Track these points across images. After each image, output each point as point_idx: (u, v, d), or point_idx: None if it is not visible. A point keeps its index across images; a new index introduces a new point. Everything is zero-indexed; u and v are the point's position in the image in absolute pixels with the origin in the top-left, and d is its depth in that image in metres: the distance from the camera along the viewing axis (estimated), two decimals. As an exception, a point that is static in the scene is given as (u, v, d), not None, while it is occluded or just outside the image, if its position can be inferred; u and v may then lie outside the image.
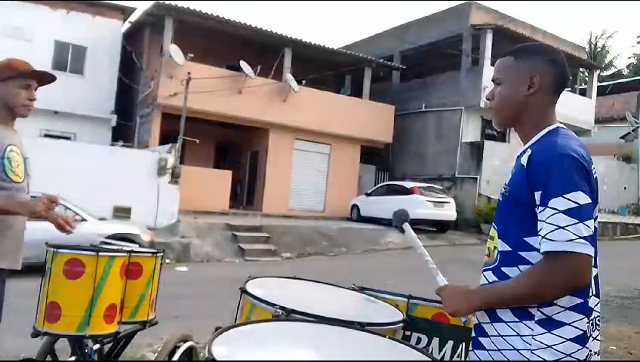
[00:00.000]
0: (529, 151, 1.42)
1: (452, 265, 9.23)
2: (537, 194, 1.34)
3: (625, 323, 6.69)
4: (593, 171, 1.40)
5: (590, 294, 1.39)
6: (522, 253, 1.40)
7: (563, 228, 1.28)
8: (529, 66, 1.50)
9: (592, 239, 1.30)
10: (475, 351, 1.50)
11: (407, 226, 1.78)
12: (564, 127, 1.50)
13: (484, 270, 1.54)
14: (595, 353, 1.40)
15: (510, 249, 1.44)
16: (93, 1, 17.50)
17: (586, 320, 1.36)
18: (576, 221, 1.28)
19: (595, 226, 1.37)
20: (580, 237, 1.27)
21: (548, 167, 1.34)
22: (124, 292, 2.54)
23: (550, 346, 1.33)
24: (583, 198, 1.30)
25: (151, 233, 10.30)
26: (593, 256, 1.31)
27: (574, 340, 1.34)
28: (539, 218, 1.33)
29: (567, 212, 1.28)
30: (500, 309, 1.43)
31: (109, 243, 4.25)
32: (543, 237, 1.31)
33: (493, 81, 1.59)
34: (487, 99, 1.60)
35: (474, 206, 17.14)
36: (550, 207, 1.30)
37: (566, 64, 1.54)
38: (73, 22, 17.15)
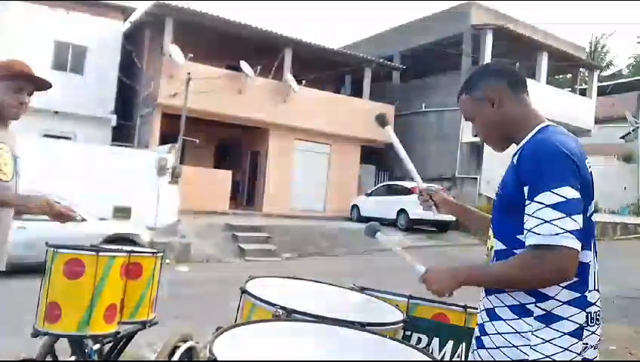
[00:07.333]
0: (520, 151, 1.46)
1: (452, 265, 9.21)
2: (525, 189, 1.36)
3: (625, 323, 6.69)
4: (587, 166, 1.42)
5: (590, 288, 1.40)
6: (516, 251, 1.42)
7: (549, 221, 1.29)
8: (481, 91, 1.57)
9: (579, 233, 1.30)
10: (478, 350, 1.51)
11: (380, 235, 1.78)
12: (555, 124, 1.51)
13: None
14: (593, 347, 1.41)
15: (505, 247, 1.47)
16: (93, 1, 17.49)
17: (583, 314, 1.38)
18: (563, 215, 1.29)
19: (591, 221, 1.39)
20: (566, 231, 1.28)
21: (535, 162, 1.36)
22: (124, 292, 2.54)
23: (549, 341, 1.35)
24: (570, 193, 1.31)
25: (151, 233, 10.30)
26: (580, 250, 1.31)
27: (572, 334, 1.36)
28: (525, 211, 1.35)
29: (554, 206, 1.29)
30: (498, 307, 1.45)
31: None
32: (528, 230, 1.32)
33: (466, 120, 1.66)
34: (475, 135, 1.66)
35: (474, 206, 17.12)
36: (537, 201, 1.32)
37: (510, 65, 1.62)
38: (73, 22, 17.14)
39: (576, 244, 1.29)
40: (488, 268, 1.46)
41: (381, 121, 1.98)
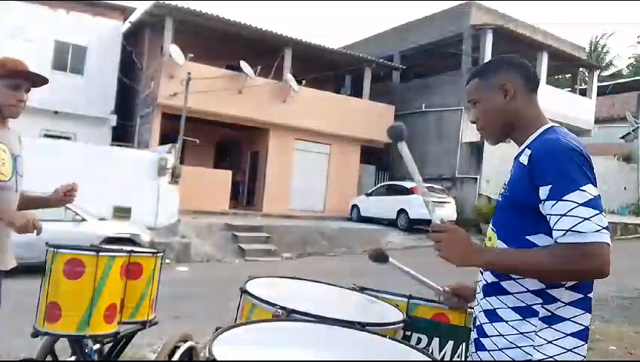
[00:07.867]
0: (528, 151, 1.42)
1: (452, 265, 9.20)
2: (544, 189, 1.34)
3: (625, 323, 6.69)
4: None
5: (591, 290, 1.40)
6: None
7: (588, 219, 1.28)
8: (497, 79, 1.55)
9: (608, 229, 1.31)
10: (478, 352, 1.50)
11: (403, 145, 1.62)
12: (559, 126, 1.51)
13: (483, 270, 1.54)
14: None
15: (507, 247, 1.45)
16: (93, 1, 17.49)
17: (588, 315, 1.38)
18: (597, 212, 1.29)
19: None
20: (603, 228, 1.28)
21: (556, 161, 1.34)
22: (124, 292, 2.54)
23: (551, 341, 1.35)
24: (594, 190, 1.32)
25: (151, 233, 10.30)
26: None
27: (575, 335, 1.35)
28: (550, 212, 1.33)
29: (587, 204, 1.29)
30: (501, 309, 1.44)
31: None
32: (567, 230, 1.29)
33: (469, 102, 1.62)
34: (473, 121, 1.63)
35: (474, 206, 17.14)
36: (568, 200, 1.30)
37: (528, 64, 1.59)
38: (73, 22, 17.14)
39: (610, 240, 1.30)
40: (516, 255, 1.39)
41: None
